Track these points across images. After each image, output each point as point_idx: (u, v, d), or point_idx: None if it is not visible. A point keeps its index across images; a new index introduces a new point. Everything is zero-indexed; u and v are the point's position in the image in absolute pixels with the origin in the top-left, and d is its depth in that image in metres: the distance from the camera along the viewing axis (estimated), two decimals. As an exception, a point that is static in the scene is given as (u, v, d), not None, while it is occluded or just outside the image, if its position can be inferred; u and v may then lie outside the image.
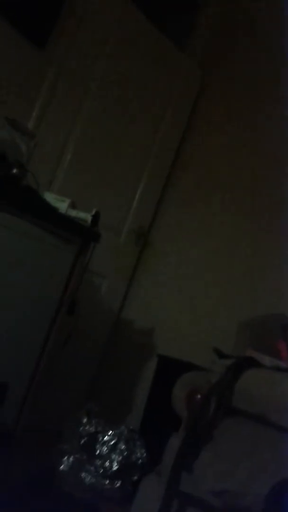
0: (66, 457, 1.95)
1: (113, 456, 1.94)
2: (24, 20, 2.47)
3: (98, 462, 1.92)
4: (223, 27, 3.40)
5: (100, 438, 1.97)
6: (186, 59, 3.31)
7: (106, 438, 1.97)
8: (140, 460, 1.94)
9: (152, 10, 3.08)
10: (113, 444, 1.95)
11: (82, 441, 1.96)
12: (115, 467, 1.92)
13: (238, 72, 3.26)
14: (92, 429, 1.98)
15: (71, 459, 1.94)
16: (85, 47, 2.78)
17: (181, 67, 3.26)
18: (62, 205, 2.16)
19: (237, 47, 3.30)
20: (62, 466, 1.93)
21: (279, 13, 2.97)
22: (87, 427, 1.99)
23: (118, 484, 1.92)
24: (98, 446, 1.96)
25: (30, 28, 2.51)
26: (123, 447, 1.95)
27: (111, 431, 1.98)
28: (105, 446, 1.95)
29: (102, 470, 1.90)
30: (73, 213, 2.17)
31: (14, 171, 1.89)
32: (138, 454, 1.95)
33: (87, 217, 2.17)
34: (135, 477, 1.93)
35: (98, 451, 1.95)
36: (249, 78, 3.18)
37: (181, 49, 3.31)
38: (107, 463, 1.92)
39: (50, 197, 2.18)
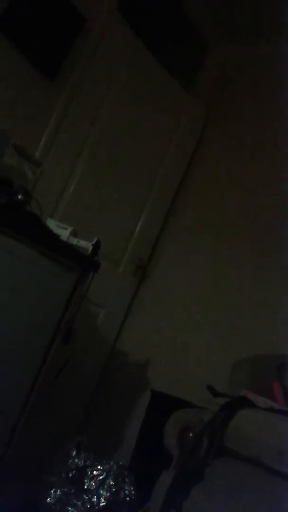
0: (53, 490, 1.91)
1: (101, 491, 1.89)
2: (36, 53, 2.55)
3: (86, 497, 1.88)
4: (229, 69, 3.50)
5: (89, 473, 1.93)
6: (190, 98, 3.39)
7: (95, 472, 1.93)
8: (128, 497, 1.90)
9: (160, 49, 3.18)
10: (102, 479, 1.91)
11: (71, 475, 1.92)
12: (102, 503, 1.87)
13: (242, 113, 3.34)
14: (81, 463, 1.94)
15: (58, 492, 1.90)
16: (94, 81, 2.85)
17: (185, 106, 3.34)
18: (64, 232, 2.17)
19: (241, 89, 3.39)
20: (49, 499, 1.88)
21: (282, 57, 3.07)
22: (76, 460, 1.95)
23: (105, 521, 1.87)
24: (86, 480, 1.91)
25: (42, 60, 2.59)
26: (111, 483, 1.91)
27: (100, 466, 1.94)
28: (93, 481, 1.91)
29: (89, 505, 1.85)
30: (74, 241, 2.18)
31: (19, 197, 1.90)
32: (127, 491, 1.91)
33: (88, 245, 2.18)
34: (122, 515, 1.89)
35: (86, 486, 1.90)
36: (252, 119, 3.26)
37: (187, 87, 3.40)
38: (94, 499, 1.87)
39: (53, 224, 2.19)
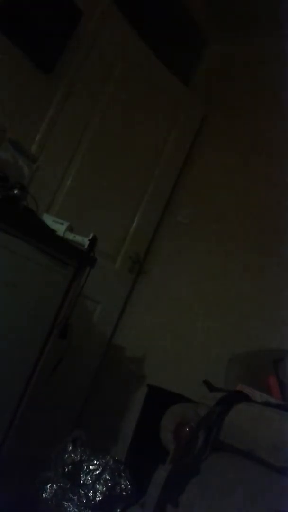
0: (49, 485, 1.91)
1: (97, 486, 1.89)
2: (33, 47, 2.54)
3: (82, 492, 1.88)
4: (229, 65, 3.49)
5: (85, 467, 1.93)
6: (188, 93, 3.38)
7: (91, 467, 1.93)
8: (124, 492, 1.90)
9: (158, 44, 3.17)
10: (98, 474, 1.91)
11: (67, 469, 1.92)
12: (98, 498, 1.87)
13: (239, 107, 3.33)
14: (77, 458, 1.94)
15: (54, 487, 1.90)
16: (90, 75, 2.84)
17: (183, 101, 3.33)
18: (60, 227, 2.17)
19: (240, 85, 3.39)
20: (45, 494, 1.88)
21: (281, 54, 3.06)
22: (72, 455, 1.95)
23: (100, 515, 1.87)
24: (82, 475, 1.92)
25: (39, 54, 2.58)
26: (107, 477, 1.91)
27: (96, 461, 1.94)
28: (89, 475, 1.91)
29: (85, 500, 1.86)
30: (70, 236, 2.18)
31: (15, 192, 1.90)
32: (123, 486, 1.91)
33: (84, 241, 2.18)
34: (119, 509, 1.89)
35: (82, 480, 1.90)
36: (250, 116, 3.25)
37: (185, 82, 3.39)
38: (90, 493, 1.87)
39: (49, 219, 2.19)
